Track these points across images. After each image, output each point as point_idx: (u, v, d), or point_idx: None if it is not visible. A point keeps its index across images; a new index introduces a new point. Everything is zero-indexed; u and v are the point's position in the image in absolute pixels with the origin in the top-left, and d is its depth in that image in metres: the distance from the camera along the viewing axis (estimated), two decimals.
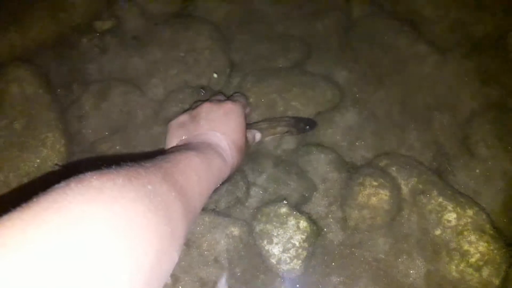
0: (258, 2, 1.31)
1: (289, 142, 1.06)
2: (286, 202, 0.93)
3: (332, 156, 1.04)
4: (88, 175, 0.39)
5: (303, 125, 1.06)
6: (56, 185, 0.37)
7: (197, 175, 0.55)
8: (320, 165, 1.03)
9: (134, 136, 1.09)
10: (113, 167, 0.42)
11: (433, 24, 1.25)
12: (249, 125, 1.01)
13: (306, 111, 1.11)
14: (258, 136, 0.98)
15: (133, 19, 1.26)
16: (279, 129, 1.04)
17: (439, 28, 1.24)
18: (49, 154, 1.00)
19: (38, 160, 0.98)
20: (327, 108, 1.13)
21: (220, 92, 1.03)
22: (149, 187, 0.42)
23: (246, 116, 0.89)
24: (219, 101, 0.85)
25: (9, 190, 0.94)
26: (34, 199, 0.34)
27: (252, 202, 0.98)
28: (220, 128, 0.75)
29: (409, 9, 1.27)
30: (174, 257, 0.45)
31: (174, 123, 0.81)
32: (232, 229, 0.92)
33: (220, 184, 0.73)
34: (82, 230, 0.33)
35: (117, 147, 1.07)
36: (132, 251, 0.36)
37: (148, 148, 1.07)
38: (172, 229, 0.43)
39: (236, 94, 1.04)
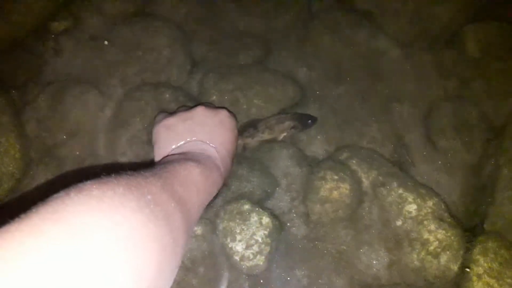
0: (219, 0, 1.30)
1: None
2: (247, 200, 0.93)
3: (293, 150, 1.04)
4: (88, 184, 0.38)
5: (308, 121, 1.07)
6: (55, 195, 0.36)
7: (196, 187, 0.55)
8: (282, 160, 1.03)
9: (93, 139, 1.06)
10: (113, 175, 0.41)
11: (392, 17, 1.27)
12: (254, 123, 1.05)
13: (269, 109, 1.11)
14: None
15: (91, 19, 1.23)
16: (287, 123, 1.05)
17: (398, 22, 1.27)
18: (3, 161, 0.96)
19: None
20: (288, 105, 1.13)
21: (209, 103, 1.00)
22: (149, 196, 0.41)
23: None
24: (213, 106, 0.81)
25: None
26: (33, 209, 0.34)
27: (216, 201, 0.97)
28: (217, 138, 0.72)
29: (369, 3, 1.29)
30: (175, 267, 0.44)
31: (163, 125, 0.75)
32: (195, 228, 0.92)
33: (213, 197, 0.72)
34: (82, 241, 0.32)
35: (77, 153, 1.04)
36: (134, 262, 0.35)
37: (108, 152, 1.05)
38: (174, 240, 0.42)
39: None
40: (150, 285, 0.37)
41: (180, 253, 0.45)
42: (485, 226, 0.96)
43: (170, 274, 0.42)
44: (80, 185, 0.38)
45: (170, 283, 0.43)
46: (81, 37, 1.19)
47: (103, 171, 0.42)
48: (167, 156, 0.68)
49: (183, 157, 0.62)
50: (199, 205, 0.55)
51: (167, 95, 1.07)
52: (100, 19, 1.22)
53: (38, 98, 1.08)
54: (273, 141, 1.05)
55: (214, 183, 0.63)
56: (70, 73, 1.14)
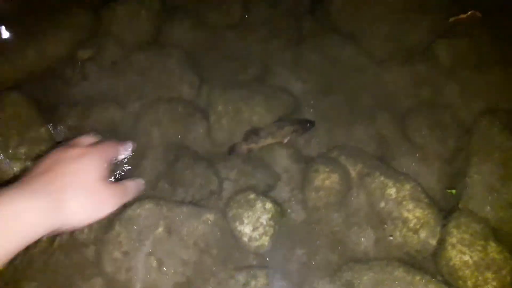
0: (220, 29, 1.50)
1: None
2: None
3: (292, 151, 1.20)
4: None
5: (307, 124, 1.23)
6: None
7: None
8: (282, 159, 1.19)
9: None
10: None
11: (370, 37, 1.46)
12: (256, 131, 1.20)
13: (269, 116, 1.28)
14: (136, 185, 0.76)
15: (111, 48, 1.42)
16: (286, 128, 1.20)
17: (376, 41, 1.46)
18: None
19: None
20: (286, 113, 1.31)
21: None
22: None
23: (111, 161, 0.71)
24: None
25: None
26: None
27: (225, 193, 1.13)
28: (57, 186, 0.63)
29: (350, 26, 1.49)
30: None
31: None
32: (208, 216, 1.06)
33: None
34: None
35: None
36: None
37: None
38: None
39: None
40: None
41: None
42: (459, 206, 1.10)
43: None
44: None
45: None
46: (104, 63, 1.38)
47: None
48: None
49: None
50: None
51: (180, 108, 1.25)
52: (119, 48, 1.42)
53: (69, 114, 1.26)
54: (277, 144, 1.21)
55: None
56: (95, 94, 1.32)
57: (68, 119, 1.26)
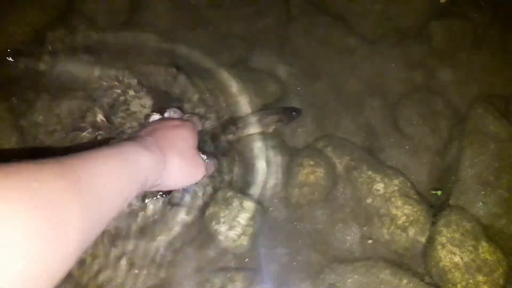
0: (202, 7, 1.40)
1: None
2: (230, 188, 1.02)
3: (276, 142, 1.13)
4: None
5: (292, 112, 1.16)
6: None
7: (111, 173, 0.53)
8: (264, 151, 1.12)
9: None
10: None
11: (361, 18, 1.37)
12: (241, 118, 1.13)
13: (252, 104, 1.20)
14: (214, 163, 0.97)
15: (83, 30, 1.32)
16: (270, 117, 1.13)
17: (367, 22, 1.37)
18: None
19: None
20: (271, 101, 1.22)
21: (177, 107, 1.01)
22: (35, 184, 0.39)
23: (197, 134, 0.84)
24: (179, 121, 0.83)
25: None
26: None
27: (203, 189, 1.06)
28: (168, 144, 0.71)
29: (340, 6, 1.39)
30: (63, 256, 0.41)
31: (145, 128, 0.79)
32: (184, 216, 1.00)
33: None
34: None
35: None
36: None
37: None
38: (55, 228, 0.40)
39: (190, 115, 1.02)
40: (22, 277, 0.35)
41: (69, 244, 0.42)
42: (450, 202, 1.04)
43: (51, 267, 0.39)
44: None
45: (58, 273, 0.40)
46: (75, 47, 1.28)
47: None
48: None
49: (108, 148, 0.59)
50: (113, 190, 0.52)
51: (154, 97, 1.16)
52: (92, 30, 1.32)
53: (36, 104, 1.17)
54: (261, 134, 1.13)
55: (139, 176, 0.60)
56: (65, 80, 1.23)
57: (37, 107, 1.17)
